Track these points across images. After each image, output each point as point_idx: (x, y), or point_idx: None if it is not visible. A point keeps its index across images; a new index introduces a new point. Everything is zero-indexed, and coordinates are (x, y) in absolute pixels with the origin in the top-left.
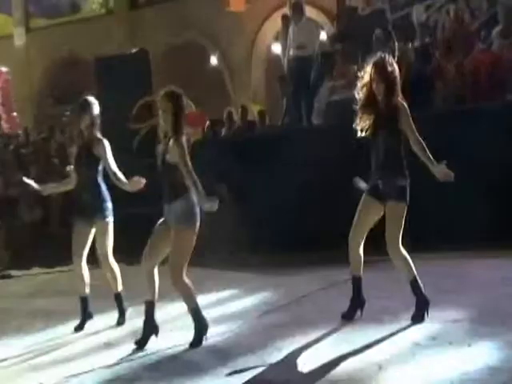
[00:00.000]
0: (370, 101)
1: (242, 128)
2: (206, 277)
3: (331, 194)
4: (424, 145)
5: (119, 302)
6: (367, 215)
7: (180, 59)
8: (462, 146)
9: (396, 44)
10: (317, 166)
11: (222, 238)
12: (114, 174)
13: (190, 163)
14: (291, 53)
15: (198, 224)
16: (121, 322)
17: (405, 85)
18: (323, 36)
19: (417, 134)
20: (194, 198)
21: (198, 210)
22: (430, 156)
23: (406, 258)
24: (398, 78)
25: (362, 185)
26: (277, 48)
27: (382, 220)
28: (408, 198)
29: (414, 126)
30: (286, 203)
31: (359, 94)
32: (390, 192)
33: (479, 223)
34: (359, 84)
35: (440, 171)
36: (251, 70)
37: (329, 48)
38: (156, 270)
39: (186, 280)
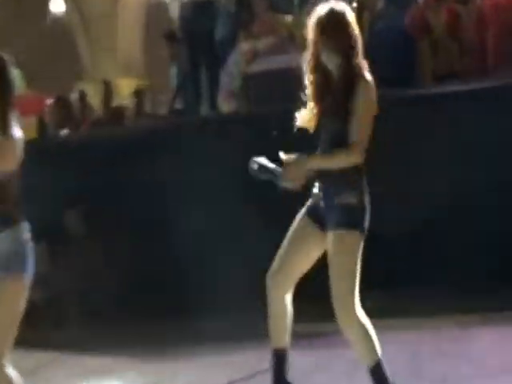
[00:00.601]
0: (317, 72)
1: (104, 119)
2: (44, 363)
3: (252, 223)
4: (355, 146)
5: None
6: (301, 244)
7: (2, 7)
8: (461, 146)
9: None
10: (229, 181)
11: (72, 299)
12: None
13: None
14: None
15: (30, 272)
16: None
17: (366, 48)
18: None
19: (362, 126)
20: (27, 230)
21: (30, 250)
22: (331, 160)
23: (363, 328)
24: (357, 35)
25: (264, 165)
26: None
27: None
28: (364, 224)
29: (365, 116)
30: (179, 239)
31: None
32: (329, 213)
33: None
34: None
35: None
36: (119, 24)
37: None
38: None
39: (9, 371)
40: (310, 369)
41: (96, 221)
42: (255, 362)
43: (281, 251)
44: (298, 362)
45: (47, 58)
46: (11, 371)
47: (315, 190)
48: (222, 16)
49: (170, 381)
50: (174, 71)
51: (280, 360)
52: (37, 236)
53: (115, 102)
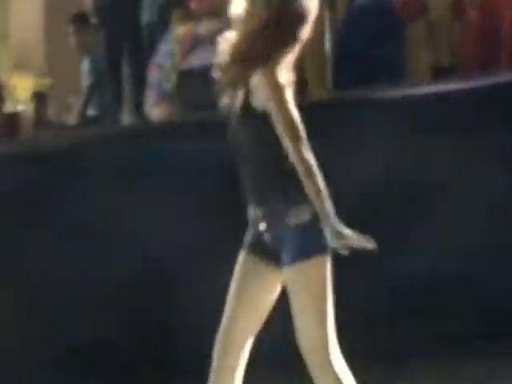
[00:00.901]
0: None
1: None
2: None
3: (192, 268)
4: (307, 160)
5: None
6: (248, 291)
7: None
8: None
9: None
10: (160, 217)
11: None
12: None
13: None
14: None
15: None
16: None
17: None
18: None
19: (292, 130)
20: None
21: None
22: (323, 193)
23: (340, 380)
24: (300, 18)
25: None
26: None
27: None
28: (327, 242)
29: (289, 113)
30: (102, 289)
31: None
32: (280, 243)
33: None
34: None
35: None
36: (12, 6)
37: None
38: None
39: None
40: None
41: None
42: None
43: (227, 306)
44: None
45: None
46: None
47: (252, 216)
48: None
49: None
50: (85, 67)
51: None
52: None
53: (8, 108)
